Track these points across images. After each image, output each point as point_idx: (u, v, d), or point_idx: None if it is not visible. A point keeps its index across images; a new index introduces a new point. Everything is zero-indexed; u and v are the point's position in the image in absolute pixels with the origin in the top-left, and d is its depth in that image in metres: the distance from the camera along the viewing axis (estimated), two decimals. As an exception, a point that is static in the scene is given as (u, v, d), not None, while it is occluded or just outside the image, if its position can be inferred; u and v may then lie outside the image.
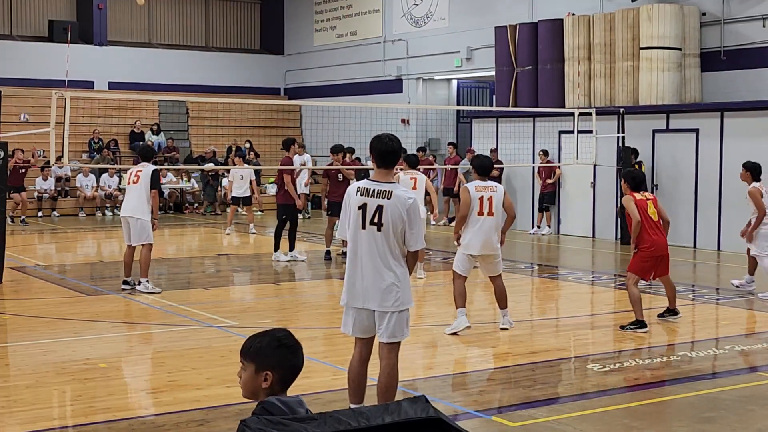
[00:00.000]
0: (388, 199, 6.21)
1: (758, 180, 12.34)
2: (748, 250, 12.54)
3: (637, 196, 10.11)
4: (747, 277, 12.75)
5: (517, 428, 6.60)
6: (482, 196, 9.58)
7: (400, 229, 6.22)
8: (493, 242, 9.65)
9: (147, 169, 12.19)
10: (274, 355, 3.55)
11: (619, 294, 12.76)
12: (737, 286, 12.79)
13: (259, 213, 24.04)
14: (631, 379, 8.09)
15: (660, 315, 10.49)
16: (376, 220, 6.22)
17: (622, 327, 9.95)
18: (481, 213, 9.55)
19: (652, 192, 18.70)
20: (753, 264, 12.59)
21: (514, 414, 6.93)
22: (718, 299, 12.56)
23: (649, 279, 10.52)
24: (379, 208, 6.21)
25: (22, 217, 22.35)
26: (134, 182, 12.16)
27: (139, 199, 12.11)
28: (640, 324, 9.86)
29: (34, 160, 23.76)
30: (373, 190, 6.26)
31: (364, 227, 6.26)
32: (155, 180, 12.14)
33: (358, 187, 6.35)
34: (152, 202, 12.11)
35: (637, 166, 18.35)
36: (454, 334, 9.58)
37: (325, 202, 17.10)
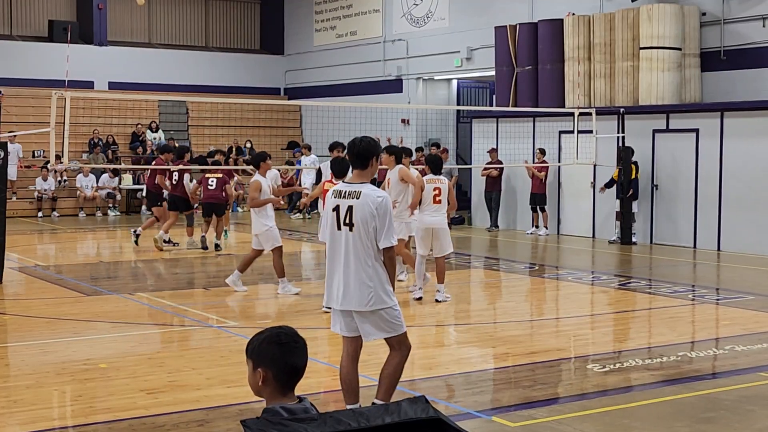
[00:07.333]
0: (357, 198, 6.29)
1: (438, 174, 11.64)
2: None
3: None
4: (420, 282, 11.72)
5: (517, 428, 6.60)
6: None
7: (372, 227, 6.26)
8: None
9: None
10: (268, 352, 3.49)
11: (619, 294, 12.76)
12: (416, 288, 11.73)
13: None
14: (631, 379, 8.09)
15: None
16: (347, 221, 6.31)
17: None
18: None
19: (652, 191, 18.73)
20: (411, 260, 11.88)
21: (514, 414, 6.92)
22: (718, 299, 12.55)
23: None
24: (350, 209, 6.31)
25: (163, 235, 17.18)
26: None
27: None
28: None
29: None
30: (345, 192, 6.37)
31: (339, 228, 6.35)
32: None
33: (334, 190, 6.47)
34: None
35: (633, 168, 18.37)
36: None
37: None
